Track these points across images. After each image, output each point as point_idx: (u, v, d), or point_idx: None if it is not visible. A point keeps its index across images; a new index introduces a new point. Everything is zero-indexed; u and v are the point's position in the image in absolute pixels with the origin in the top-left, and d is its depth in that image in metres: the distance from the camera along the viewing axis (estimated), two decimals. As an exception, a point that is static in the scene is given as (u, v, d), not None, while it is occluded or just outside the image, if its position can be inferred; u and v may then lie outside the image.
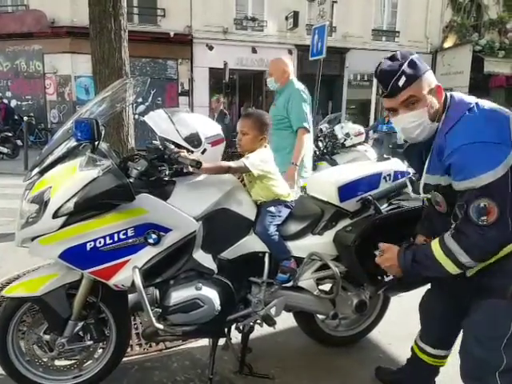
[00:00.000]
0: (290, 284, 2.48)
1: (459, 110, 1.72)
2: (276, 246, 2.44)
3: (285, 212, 2.52)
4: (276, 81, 4.01)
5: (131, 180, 2.09)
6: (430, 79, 1.76)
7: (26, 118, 11.99)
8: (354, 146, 6.29)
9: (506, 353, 1.71)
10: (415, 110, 1.75)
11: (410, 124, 1.77)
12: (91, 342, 2.32)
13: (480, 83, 16.26)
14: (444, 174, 1.74)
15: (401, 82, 1.71)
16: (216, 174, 2.35)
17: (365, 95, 17.98)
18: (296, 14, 15.54)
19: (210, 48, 15.70)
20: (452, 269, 1.72)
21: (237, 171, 2.42)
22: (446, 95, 1.81)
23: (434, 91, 1.77)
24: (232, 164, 2.35)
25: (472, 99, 1.78)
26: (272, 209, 2.46)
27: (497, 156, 1.56)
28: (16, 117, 14.19)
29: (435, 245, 1.76)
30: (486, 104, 1.75)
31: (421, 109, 1.74)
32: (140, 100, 13.17)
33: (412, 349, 2.40)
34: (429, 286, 2.33)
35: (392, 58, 1.78)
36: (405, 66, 1.70)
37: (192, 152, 2.33)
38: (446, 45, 17.58)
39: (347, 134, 6.25)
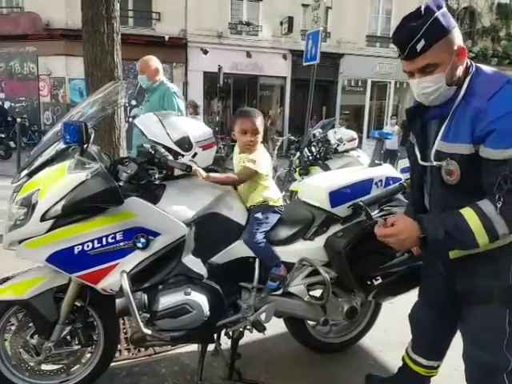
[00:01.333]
0: (280, 291, 2.46)
1: (495, 80, 1.64)
2: (264, 253, 2.42)
3: (273, 218, 2.50)
4: (149, 79, 4.38)
5: (121, 183, 2.07)
6: (453, 40, 1.63)
7: (19, 120, 11.94)
8: (346, 151, 6.27)
9: (509, 353, 1.71)
10: (432, 75, 1.64)
11: (426, 89, 1.68)
12: (79, 347, 2.31)
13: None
14: (470, 142, 1.61)
15: (419, 46, 1.59)
16: (222, 184, 2.39)
17: (359, 101, 18.08)
18: (291, 20, 15.62)
19: (205, 52, 15.73)
20: (484, 240, 1.59)
21: (246, 179, 2.45)
22: (467, 62, 1.71)
23: (455, 53, 1.65)
24: (242, 176, 2.42)
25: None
26: (259, 215, 2.45)
27: None
28: (9, 118, 14.11)
29: (469, 215, 1.60)
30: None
31: (438, 74, 1.64)
32: (134, 103, 13.12)
33: (403, 359, 2.38)
34: (417, 292, 2.32)
35: (414, 16, 1.62)
36: (426, 27, 1.56)
37: (183, 156, 2.31)
38: (440, 52, 17.68)
39: (340, 140, 6.23)
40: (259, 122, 2.46)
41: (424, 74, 1.66)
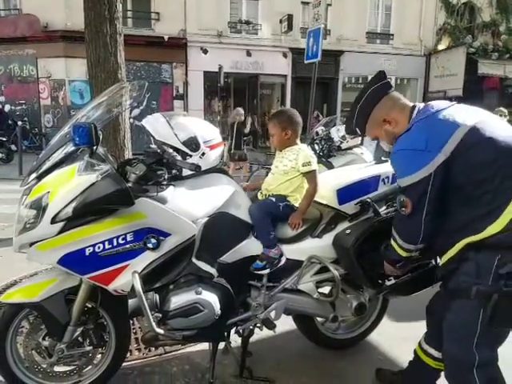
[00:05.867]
0: (266, 271, 2.45)
1: (415, 119, 1.94)
2: (261, 228, 2.44)
3: (285, 211, 2.52)
4: None
5: (129, 184, 2.07)
6: (376, 118, 2.06)
7: (20, 123, 11.95)
8: (350, 148, 6.29)
9: (477, 350, 1.80)
10: (381, 140, 2.19)
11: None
12: (90, 348, 2.32)
13: (474, 85, 16.35)
14: None
15: (359, 131, 2.18)
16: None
17: (359, 98, 18.04)
18: (290, 18, 15.58)
19: (205, 51, 15.71)
20: (401, 251, 2.03)
21: (316, 182, 2.55)
22: (413, 108, 2.02)
23: (383, 124, 2.05)
24: (311, 183, 2.55)
25: (442, 105, 1.92)
26: (273, 199, 2.52)
27: (421, 161, 1.80)
28: (10, 121, 14.10)
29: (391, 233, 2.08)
30: (450, 111, 1.87)
31: (382, 140, 2.17)
32: (134, 104, 13.17)
33: (415, 351, 2.39)
34: (436, 289, 2.33)
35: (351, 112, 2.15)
36: (355, 123, 2.12)
37: (190, 156, 2.32)
38: (440, 47, 17.67)
39: (343, 137, 6.25)
40: (277, 121, 2.62)
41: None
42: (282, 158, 2.62)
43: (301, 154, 2.56)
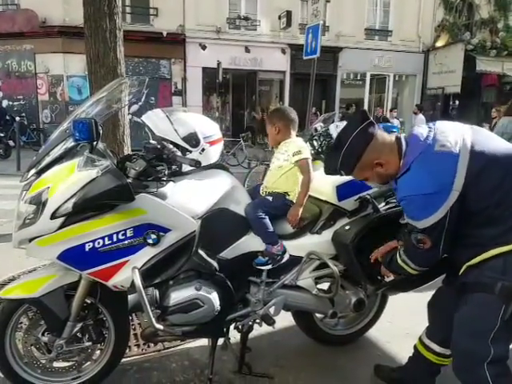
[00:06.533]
0: (268, 267, 2.46)
1: (410, 156, 1.87)
2: (260, 228, 2.44)
3: (282, 208, 2.54)
4: None
5: (129, 180, 2.07)
6: (367, 160, 1.96)
7: (17, 119, 11.91)
8: (348, 144, 6.30)
9: (493, 345, 1.79)
10: (368, 181, 2.19)
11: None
12: (90, 344, 2.32)
13: (472, 82, 16.35)
14: None
15: (343, 173, 2.08)
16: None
17: (358, 94, 18.03)
18: (289, 14, 15.51)
19: (203, 47, 15.65)
20: (412, 271, 2.04)
21: (310, 170, 2.57)
22: (400, 143, 1.95)
23: (375, 167, 1.97)
24: (304, 172, 2.56)
25: (425, 132, 1.89)
26: (269, 198, 2.53)
27: (435, 204, 1.77)
28: (8, 117, 14.04)
29: (398, 252, 2.08)
30: (439, 138, 1.83)
31: (371, 180, 2.13)
32: (133, 100, 13.11)
33: (415, 346, 2.40)
34: (438, 285, 2.33)
35: (334, 148, 2.05)
36: (340, 163, 1.99)
37: (190, 152, 2.32)
38: (439, 44, 17.64)
39: (342, 133, 6.25)
40: (268, 119, 2.78)
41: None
42: (277, 154, 2.69)
43: (291, 145, 2.63)
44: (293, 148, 2.60)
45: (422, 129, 1.93)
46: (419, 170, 1.82)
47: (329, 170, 2.13)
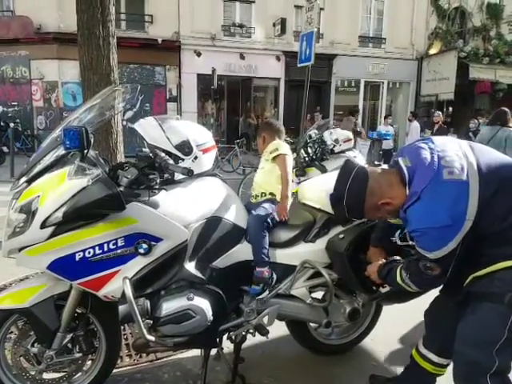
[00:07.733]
0: (265, 294, 2.45)
1: (420, 184, 1.80)
2: (258, 245, 2.43)
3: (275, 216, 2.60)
4: None
5: (121, 189, 2.04)
6: (372, 203, 1.91)
7: (12, 125, 11.85)
8: (343, 151, 6.29)
9: (498, 356, 1.77)
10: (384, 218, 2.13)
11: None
12: (80, 354, 2.29)
13: (465, 89, 16.46)
14: None
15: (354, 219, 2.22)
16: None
17: (352, 101, 18.08)
18: (283, 21, 15.59)
19: (198, 54, 15.67)
20: (410, 290, 2.02)
21: (287, 167, 2.75)
22: (402, 172, 1.88)
23: (381, 207, 1.92)
24: (282, 168, 2.75)
25: (430, 157, 1.81)
26: (266, 205, 2.60)
27: (448, 236, 1.73)
28: (2, 123, 13.96)
29: (398, 271, 2.02)
30: (445, 164, 1.77)
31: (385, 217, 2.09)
32: (128, 106, 13.05)
33: (411, 356, 2.38)
34: (434, 294, 2.31)
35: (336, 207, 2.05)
36: (347, 213, 1.99)
37: (183, 160, 2.30)
38: (432, 51, 17.77)
39: (336, 140, 6.25)
40: (257, 132, 3.13)
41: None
42: (261, 159, 2.94)
43: (270, 145, 2.86)
44: (271, 147, 2.83)
45: (423, 152, 1.84)
46: (431, 202, 1.75)
47: (341, 219, 2.34)
